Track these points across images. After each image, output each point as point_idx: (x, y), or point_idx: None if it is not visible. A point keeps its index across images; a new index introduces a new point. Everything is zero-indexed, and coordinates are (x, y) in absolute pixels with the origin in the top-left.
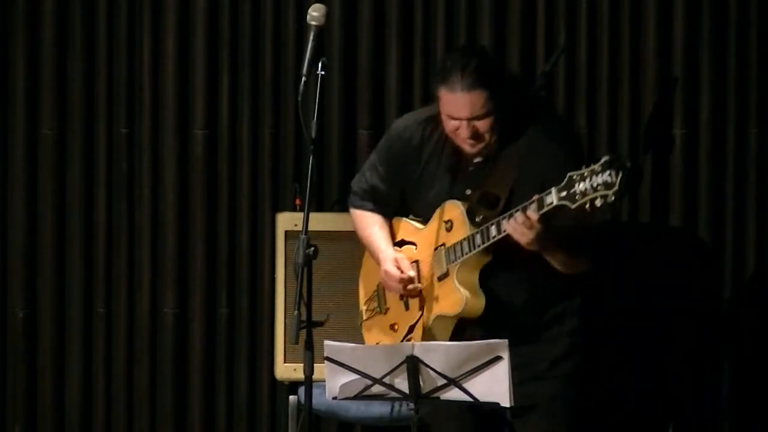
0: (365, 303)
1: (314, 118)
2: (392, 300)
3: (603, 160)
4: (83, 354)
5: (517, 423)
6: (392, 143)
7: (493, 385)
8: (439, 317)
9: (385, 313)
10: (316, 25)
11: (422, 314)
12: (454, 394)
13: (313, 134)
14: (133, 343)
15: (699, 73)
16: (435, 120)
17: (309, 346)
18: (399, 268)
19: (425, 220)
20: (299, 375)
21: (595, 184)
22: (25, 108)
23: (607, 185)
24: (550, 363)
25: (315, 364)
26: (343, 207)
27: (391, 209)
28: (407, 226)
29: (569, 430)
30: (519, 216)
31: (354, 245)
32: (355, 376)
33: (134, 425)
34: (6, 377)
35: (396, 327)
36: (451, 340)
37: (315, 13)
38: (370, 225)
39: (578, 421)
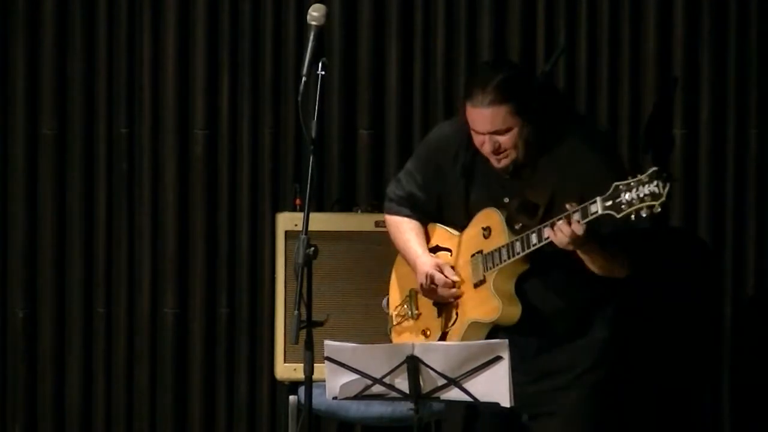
0: (395, 308)
1: (314, 118)
2: (424, 305)
3: (650, 171)
4: (83, 354)
5: (535, 428)
6: (429, 151)
7: (493, 385)
8: (474, 324)
9: (417, 319)
10: (316, 25)
11: (456, 320)
12: (454, 394)
13: (313, 134)
14: (133, 343)
15: (699, 73)
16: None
17: (309, 346)
18: (442, 272)
19: (460, 228)
20: (299, 375)
21: (641, 195)
22: (25, 108)
23: (654, 196)
24: (579, 372)
25: (315, 364)
26: (343, 207)
27: (427, 216)
28: (442, 233)
29: None
30: (563, 226)
31: (354, 245)
32: (355, 376)
33: (134, 425)
34: (6, 377)
35: (428, 332)
36: None
37: (315, 13)
38: (407, 230)
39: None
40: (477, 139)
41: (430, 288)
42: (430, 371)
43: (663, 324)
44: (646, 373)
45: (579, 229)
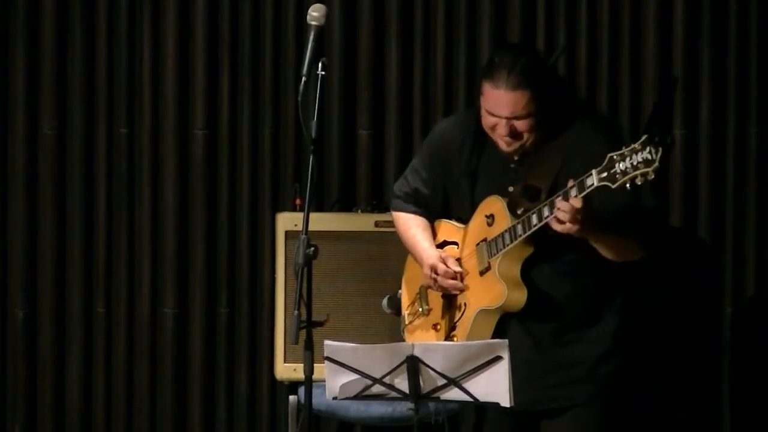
0: (407, 308)
1: (314, 118)
2: (435, 300)
3: (643, 138)
4: (83, 354)
5: (549, 425)
6: (433, 147)
7: (494, 385)
8: (482, 312)
9: (428, 314)
10: (316, 25)
11: (464, 311)
12: (454, 394)
13: (313, 134)
14: (133, 343)
15: (699, 73)
16: (475, 122)
17: (309, 346)
18: (445, 264)
19: (467, 221)
20: (299, 375)
21: (635, 163)
22: (25, 108)
23: (647, 162)
24: (591, 365)
25: (315, 364)
26: (343, 207)
27: (433, 212)
28: (448, 227)
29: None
30: (560, 203)
31: (354, 245)
32: (355, 376)
33: (134, 425)
34: (6, 377)
35: (438, 327)
36: (493, 337)
37: (315, 13)
38: (413, 226)
39: (613, 425)
40: (489, 121)
41: (434, 280)
42: (430, 371)
43: (663, 324)
44: (645, 373)
45: (577, 202)
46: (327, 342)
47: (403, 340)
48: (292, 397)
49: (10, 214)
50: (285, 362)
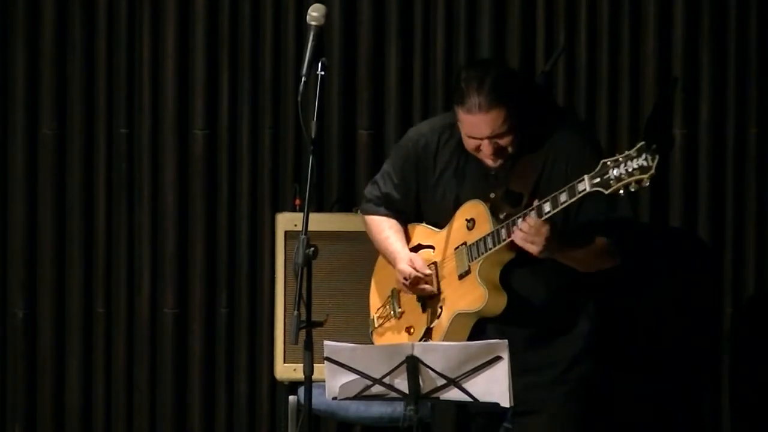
0: (377, 310)
1: (314, 118)
2: (408, 304)
3: (639, 145)
4: (83, 354)
5: (519, 426)
6: (407, 151)
7: (493, 385)
8: (460, 315)
9: (399, 318)
10: (316, 25)
11: (441, 314)
12: (453, 394)
13: (313, 134)
14: (133, 343)
15: (699, 73)
16: (451, 128)
17: (309, 346)
18: (414, 267)
19: (440, 226)
20: (299, 375)
21: (630, 169)
22: (25, 108)
23: (643, 169)
24: (563, 368)
25: (315, 364)
26: (343, 207)
27: (405, 216)
28: (423, 230)
29: None
30: (521, 223)
31: (354, 245)
32: (354, 376)
33: (134, 425)
34: (6, 377)
35: (412, 330)
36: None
37: (315, 13)
38: (385, 229)
39: (585, 427)
40: (471, 144)
41: (406, 282)
42: (430, 371)
43: (663, 324)
44: (645, 373)
45: (532, 222)
46: (327, 342)
47: (372, 344)
48: (291, 398)
49: (10, 214)
50: (285, 362)
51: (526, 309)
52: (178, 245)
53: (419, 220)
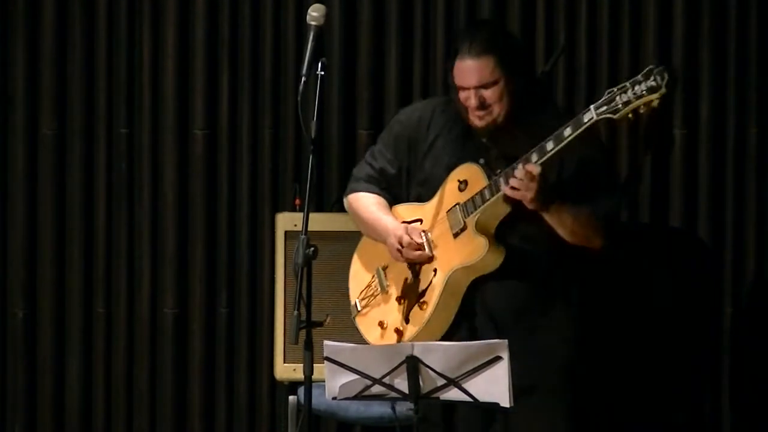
0: (360, 294)
1: (314, 118)
2: (396, 276)
3: (646, 69)
4: (83, 354)
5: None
6: (399, 127)
7: (493, 385)
8: (457, 271)
9: (387, 293)
10: (315, 25)
11: (435, 275)
12: (453, 394)
13: (313, 134)
14: (133, 343)
15: (699, 73)
16: (446, 104)
17: (309, 346)
18: (408, 233)
19: (428, 197)
20: (299, 375)
21: (639, 92)
22: (25, 108)
23: (652, 89)
24: (549, 354)
25: (315, 364)
26: (343, 207)
27: (394, 195)
28: (407, 208)
29: (567, 423)
30: (517, 170)
31: (354, 245)
32: (354, 376)
33: (134, 425)
34: (6, 377)
35: (402, 300)
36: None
37: (315, 13)
38: (371, 204)
39: (577, 415)
40: (462, 95)
41: (399, 251)
42: (430, 371)
43: (663, 324)
44: (645, 373)
45: (534, 169)
46: (326, 342)
47: (356, 328)
48: (291, 398)
49: (10, 214)
50: (285, 362)
51: (510, 285)
52: (178, 245)
53: (408, 199)
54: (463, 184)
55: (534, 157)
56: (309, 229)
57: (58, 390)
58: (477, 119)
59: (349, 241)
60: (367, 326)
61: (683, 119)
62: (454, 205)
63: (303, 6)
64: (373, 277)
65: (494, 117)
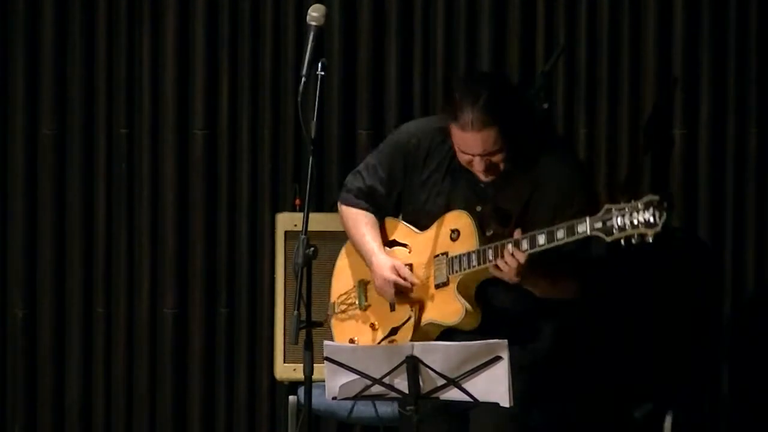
0: (340, 296)
1: (314, 118)
2: (375, 299)
3: (647, 199)
4: (83, 354)
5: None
6: (397, 149)
7: (493, 385)
8: (431, 324)
9: (365, 310)
10: (315, 25)
11: (410, 318)
12: (453, 394)
13: (313, 134)
14: (133, 343)
15: (699, 73)
16: (444, 132)
17: (308, 346)
18: (399, 275)
19: (421, 227)
20: (299, 375)
21: (635, 221)
22: (25, 108)
23: (648, 224)
24: (534, 358)
25: (315, 364)
26: None
27: (383, 212)
28: (403, 228)
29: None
30: (507, 255)
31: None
32: (354, 377)
33: (134, 425)
34: (6, 377)
35: (376, 326)
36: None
37: (315, 14)
38: (362, 224)
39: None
40: (464, 158)
41: (385, 290)
42: (430, 371)
43: (663, 324)
44: (645, 373)
45: (521, 257)
46: (327, 342)
47: (329, 328)
48: (291, 398)
49: (10, 214)
50: (285, 362)
51: (491, 312)
52: (178, 245)
53: (397, 216)
54: (455, 234)
55: (524, 245)
56: (309, 229)
57: (58, 390)
58: (483, 176)
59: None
60: (339, 334)
61: (683, 119)
62: (443, 253)
63: (303, 6)
64: (354, 286)
65: (498, 172)
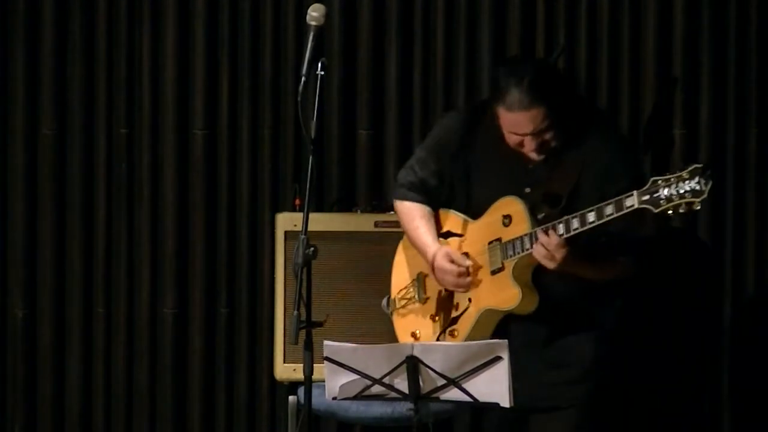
0: (399, 291)
1: (314, 118)
2: (433, 289)
3: (692, 168)
4: (83, 354)
5: (539, 422)
6: (443, 139)
7: (493, 386)
8: (489, 311)
9: (424, 303)
10: (315, 25)
11: (469, 306)
12: (453, 394)
13: (313, 134)
14: (133, 343)
15: (699, 73)
16: (491, 116)
17: (308, 346)
18: (453, 261)
19: (471, 215)
20: (299, 375)
21: (681, 191)
22: (25, 108)
23: (695, 193)
24: (586, 367)
25: (315, 364)
26: (342, 207)
27: (437, 203)
28: (455, 219)
29: None
30: (542, 238)
31: (354, 245)
32: (354, 377)
33: (134, 425)
34: (6, 377)
35: (436, 318)
36: (492, 335)
37: (315, 13)
38: (417, 217)
39: (605, 428)
40: (514, 139)
41: (445, 278)
42: (430, 371)
43: (663, 324)
44: (645, 373)
45: (556, 239)
46: (326, 342)
47: (391, 323)
48: (291, 398)
49: (10, 214)
50: (285, 362)
51: (549, 305)
52: (178, 245)
53: (450, 206)
54: (507, 219)
55: (575, 223)
56: (309, 229)
57: (58, 390)
58: (535, 155)
59: (349, 241)
60: (401, 329)
61: (683, 119)
62: (496, 240)
63: (303, 6)
64: (413, 281)
65: (550, 149)
